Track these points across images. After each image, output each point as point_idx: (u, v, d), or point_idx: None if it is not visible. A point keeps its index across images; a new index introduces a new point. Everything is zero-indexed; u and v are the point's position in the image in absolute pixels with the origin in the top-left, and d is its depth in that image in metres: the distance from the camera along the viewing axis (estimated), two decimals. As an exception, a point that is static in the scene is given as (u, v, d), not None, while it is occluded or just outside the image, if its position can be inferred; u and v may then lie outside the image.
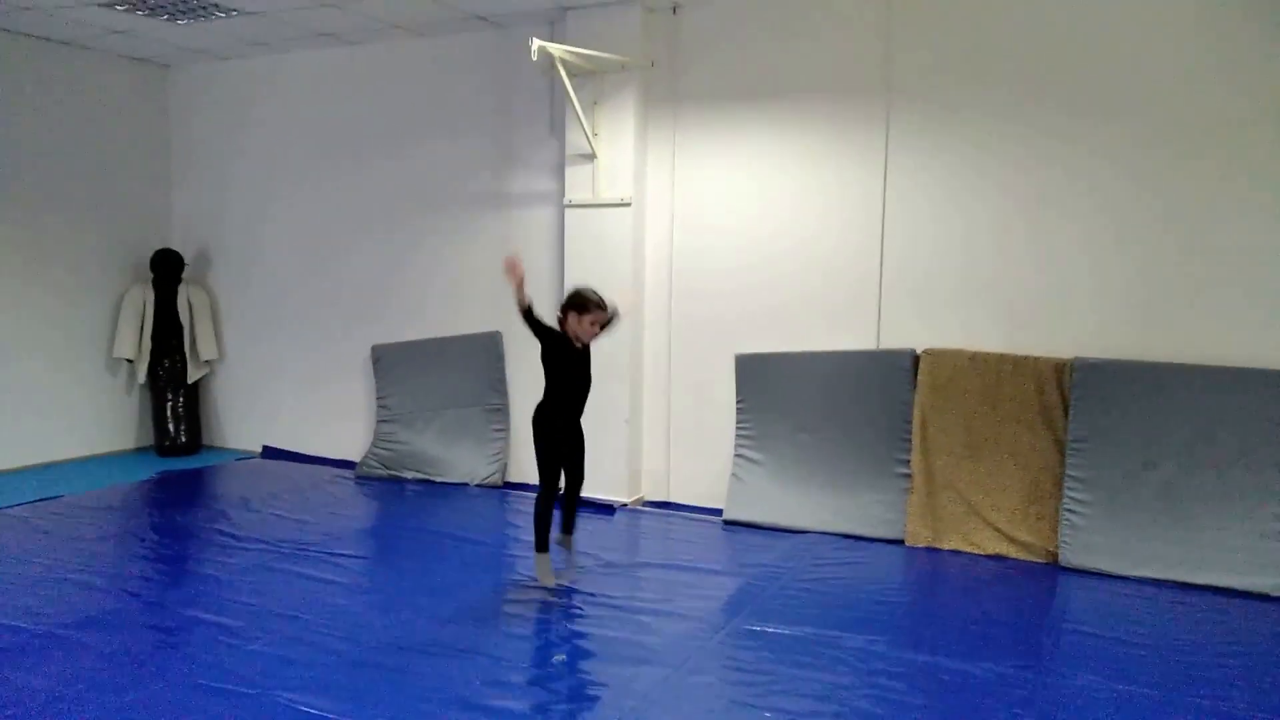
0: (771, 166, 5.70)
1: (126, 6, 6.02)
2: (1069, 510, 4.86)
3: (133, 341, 7.43)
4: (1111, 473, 4.81)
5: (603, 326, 4.34)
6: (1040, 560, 4.91)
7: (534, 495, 4.49)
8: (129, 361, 7.54)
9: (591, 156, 5.91)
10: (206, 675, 3.47)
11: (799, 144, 5.63)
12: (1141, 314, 4.93)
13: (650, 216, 6.03)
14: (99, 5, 6.01)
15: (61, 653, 3.67)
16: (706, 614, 4.15)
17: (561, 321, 4.33)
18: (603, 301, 4.32)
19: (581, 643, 3.85)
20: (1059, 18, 4.99)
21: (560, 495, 4.55)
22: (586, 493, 5.90)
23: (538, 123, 6.37)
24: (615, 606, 4.24)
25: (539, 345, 4.34)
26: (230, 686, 3.38)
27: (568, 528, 4.69)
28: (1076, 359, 4.92)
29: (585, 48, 5.62)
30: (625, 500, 6.00)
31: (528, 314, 4.20)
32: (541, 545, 4.47)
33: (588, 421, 4.53)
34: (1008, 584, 4.62)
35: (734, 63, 5.75)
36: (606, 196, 5.92)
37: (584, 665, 3.65)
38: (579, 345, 4.36)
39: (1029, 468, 5.03)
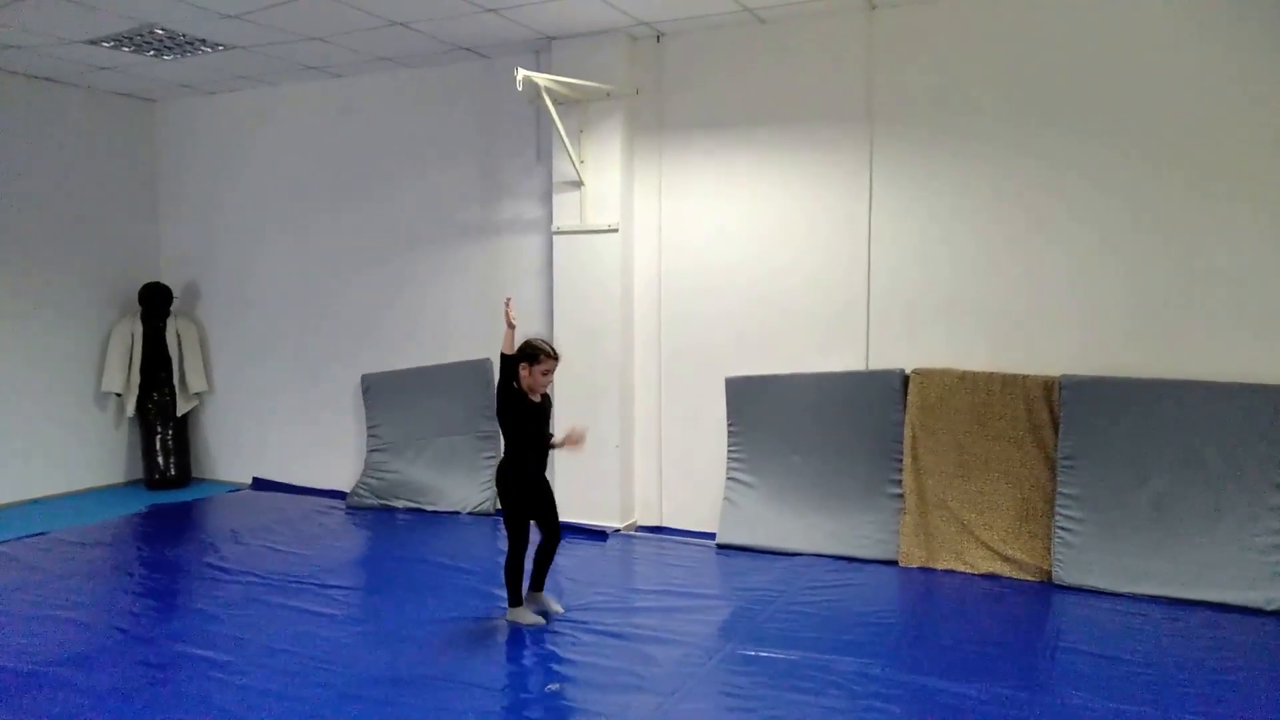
0: (757, 191, 5.74)
1: (112, 44, 6.04)
2: (1061, 528, 4.86)
3: (121, 375, 7.41)
4: (1103, 490, 4.82)
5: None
6: (1034, 579, 4.90)
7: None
8: (118, 395, 7.51)
9: (578, 184, 5.94)
10: (195, 710, 3.44)
11: (784, 169, 5.67)
12: (1129, 331, 4.96)
13: (638, 242, 6.06)
14: (85, 43, 6.04)
15: (51, 691, 3.63)
16: (700, 639, 4.13)
17: (513, 376, 4.21)
18: (553, 351, 4.24)
19: (574, 671, 3.82)
20: (1042, 40, 5.05)
21: (538, 548, 4.44)
22: (579, 519, 5.95)
23: (525, 151, 6.41)
24: (608, 634, 4.21)
25: (505, 403, 4.24)
26: (220, 722, 3.34)
27: (538, 584, 4.48)
28: (1064, 376, 4.94)
29: (570, 76, 5.67)
30: (618, 526, 5.98)
31: (507, 360, 4.16)
32: (515, 600, 4.37)
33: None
34: (1002, 603, 4.61)
35: (718, 90, 5.80)
36: (594, 223, 5.94)
37: (577, 694, 3.62)
38: (535, 399, 4.26)
39: (1020, 486, 5.03)
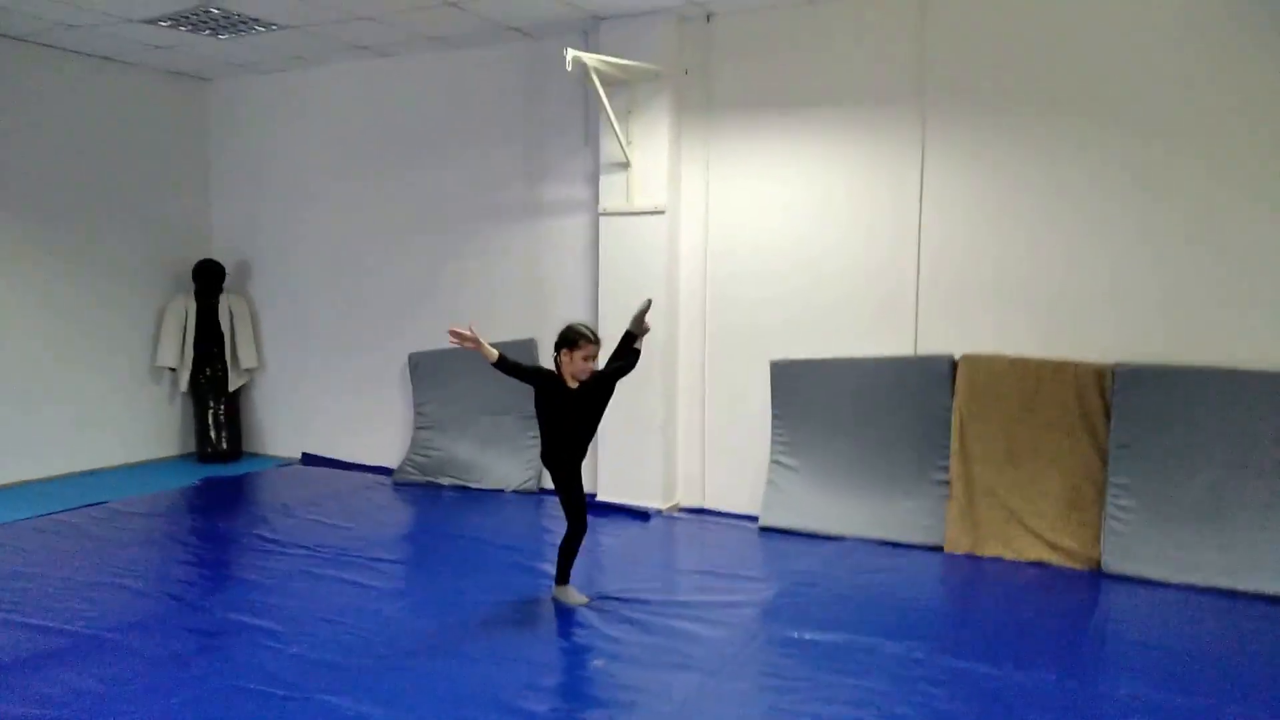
0: (806, 173, 5.69)
1: (169, 22, 6.14)
2: (1111, 517, 4.79)
3: (175, 350, 7.56)
4: (1155, 479, 4.74)
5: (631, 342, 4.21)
6: (1082, 567, 4.84)
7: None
8: (171, 370, 7.67)
9: (625, 165, 5.93)
10: (249, 678, 3.52)
11: (834, 151, 5.61)
12: (1179, 319, 4.86)
13: (684, 224, 6.04)
14: (142, 22, 6.14)
15: (109, 655, 3.74)
16: (743, 620, 4.14)
17: (557, 363, 4.11)
18: (593, 335, 4.10)
19: (618, 649, 3.85)
20: (1093, 25, 4.94)
21: (564, 539, 4.34)
22: (622, 499, 5.98)
23: (571, 132, 6.41)
24: (652, 612, 4.23)
25: (541, 393, 4.11)
26: (272, 689, 3.42)
27: (563, 577, 4.38)
28: (1119, 365, 4.86)
29: (619, 57, 5.65)
30: (660, 506, 6.00)
31: (501, 364, 3.91)
32: (561, 579, 4.36)
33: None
34: (1049, 591, 4.56)
35: (767, 70, 5.75)
36: (640, 205, 5.93)
37: (620, 671, 3.65)
38: (575, 385, 4.09)
39: (1070, 474, 4.97)
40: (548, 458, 4.23)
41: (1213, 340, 4.78)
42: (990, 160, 5.23)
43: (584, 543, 4.37)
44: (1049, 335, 5.14)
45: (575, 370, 4.06)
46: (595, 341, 4.11)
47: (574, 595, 4.35)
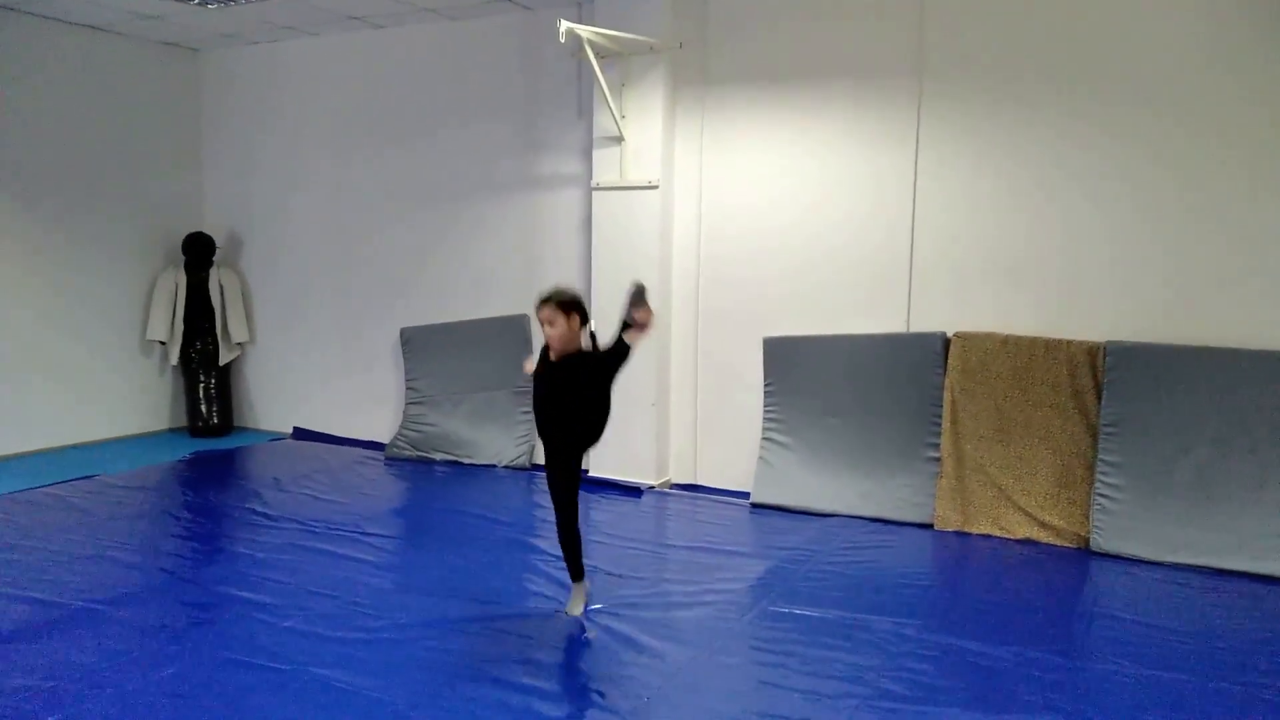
0: (801, 149, 5.66)
1: (158, -9, 6.07)
2: (1101, 495, 4.82)
3: (165, 324, 7.53)
4: (1145, 457, 4.76)
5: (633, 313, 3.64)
6: (1071, 545, 4.87)
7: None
8: (162, 344, 7.63)
9: (619, 139, 5.90)
10: (241, 651, 3.53)
11: (829, 126, 5.58)
12: (1174, 297, 4.87)
13: (678, 199, 6.01)
14: (131, -10, 6.06)
15: (101, 627, 3.74)
16: (734, 596, 4.16)
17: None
18: (550, 295, 3.62)
19: (609, 622, 3.86)
20: (1094, 3, 4.92)
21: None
22: (614, 475, 5.98)
23: (565, 106, 6.36)
24: (643, 588, 4.25)
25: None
26: (264, 662, 3.43)
27: (577, 573, 4.00)
28: (1110, 343, 4.87)
29: (613, 29, 5.60)
30: (652, 483, 6.01)
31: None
32: (575, 574, 3.98)
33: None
34: (1038, 569, 4.59)
35: (763, 44, 5.71)
36: (634, 179, 5.90)
37: (612, 644, 3.66)
38: (553, 357, 3.68)
39: (1060, 452, 4.99)
40: (538, 429, 3.89)
41: (1207, 319, 4.79)
42: (986, 136, 5.21)
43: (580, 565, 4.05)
44: (1043, 313, 5.14)
45: (547, 339, 3.67)
46: (547, 301, 3.61)
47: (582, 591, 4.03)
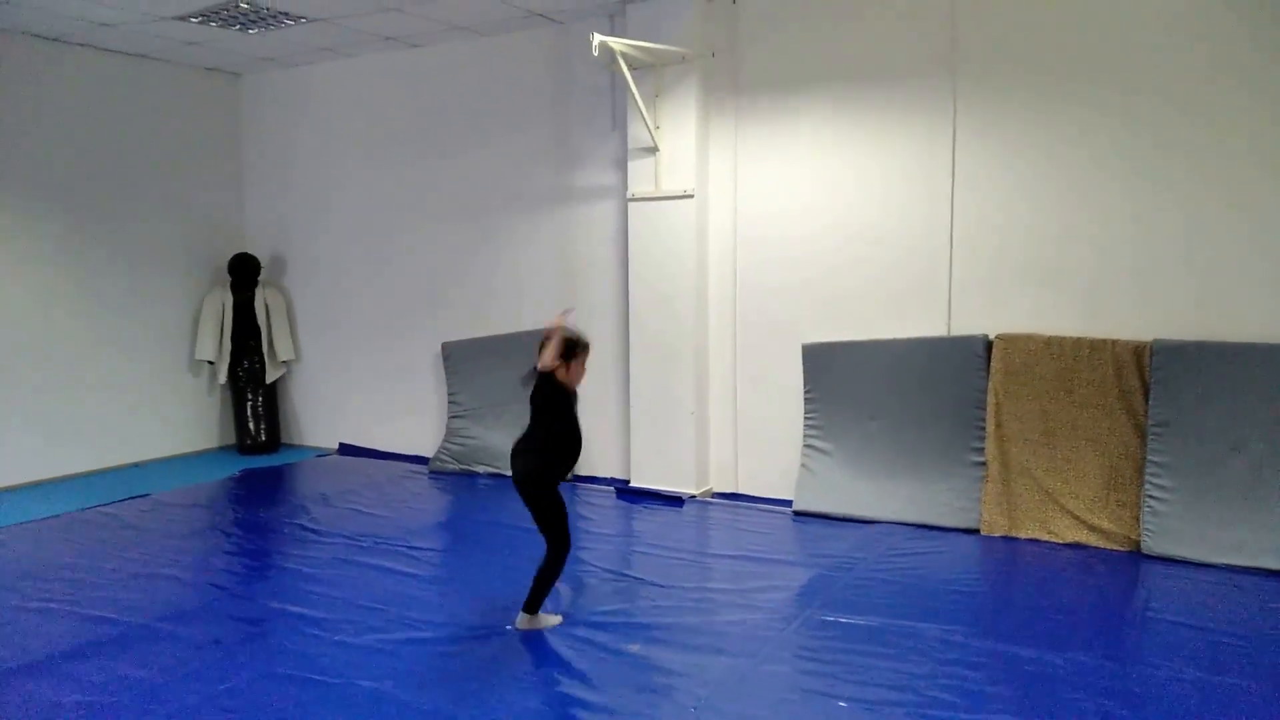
0: (835, 154, 5.64)
1: (200, 19, 6.20)
2: (1151, 497, 4.74)
3: (213, 344, 7.68)
4: (1195, 458, 4.67)
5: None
6: (1121, 548, 4.79)
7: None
8: (210, 363, 7.79)
9: (653, 149, 5.92)
10: (293, 665, 3.59)
11: (863, 130, 5.56)
12: (1215, 295, 4.77)
13: (713, 207, 6.02)
14: (175, 19, 6.21)
15: (156, 644, 3.82)
16: (779, 604, 4.15)
17: (555, 370, 3.84)
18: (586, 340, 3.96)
19: (655, 632, 3.87)
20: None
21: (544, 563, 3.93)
22: (656, 484, 5.99)
23: (599, 117, 6.40)
24: (687, 597, 4.26)
25: (549, 396, 3.93)
26: (316, 676, 3.48)
27: (534, 604, 3.95)
28: (1156, 341, 4.79)
29: (645, 40, 5.63)
30: (694, 492, 6.01)
31: (544, 372, 3.83)
32: (532, 607, 3.93)
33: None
34: (1088, 572, 4.52)
35: (795, 50, 5.70)
36: (669, 189, 5.92)
37: (658, 654, 3.67)
38: (569, 389, 3.95)
39: (1108, 454, 4.91)
40: (556, 466, 3.99)
41: (1252, 316, 4.69)
42: (1023, 136, 5.16)
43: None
44: (1084, 313, 5.07)
45: (575, 377, 3.95)
46: (586, 348, 4.00)
47: (547, 619, 3.98)
